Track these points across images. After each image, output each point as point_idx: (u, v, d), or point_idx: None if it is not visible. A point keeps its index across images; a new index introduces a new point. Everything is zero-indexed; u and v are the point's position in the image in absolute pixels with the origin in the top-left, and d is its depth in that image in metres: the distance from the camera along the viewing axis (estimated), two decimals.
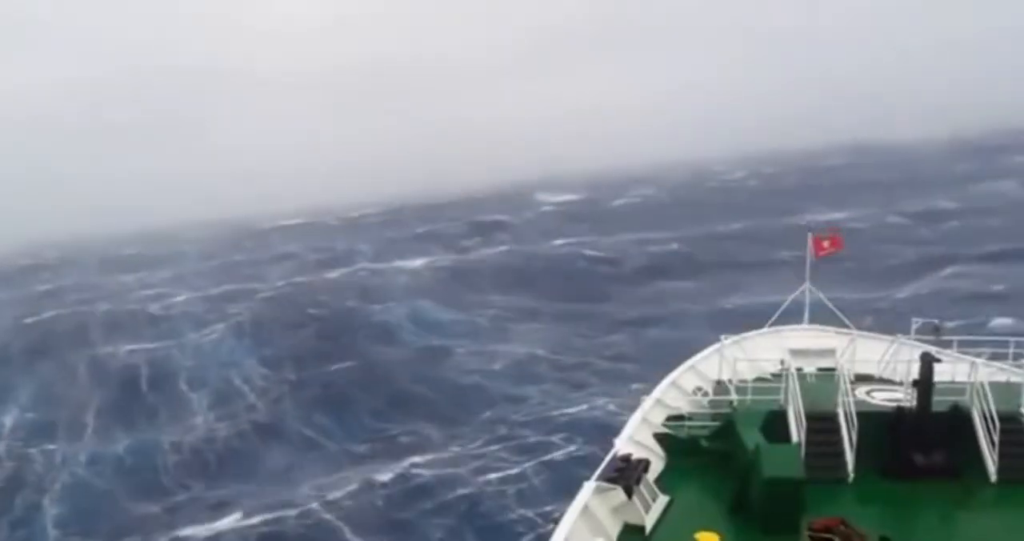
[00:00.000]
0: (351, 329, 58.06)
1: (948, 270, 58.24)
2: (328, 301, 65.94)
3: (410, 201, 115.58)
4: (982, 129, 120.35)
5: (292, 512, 33.80)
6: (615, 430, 17.46)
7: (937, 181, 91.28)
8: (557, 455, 35.52)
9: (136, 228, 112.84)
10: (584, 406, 40.32)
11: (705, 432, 17.02)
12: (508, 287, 66.54)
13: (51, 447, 42.48)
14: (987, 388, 16.45)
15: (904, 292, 53.56)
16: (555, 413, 40.02)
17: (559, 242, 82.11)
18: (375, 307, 63.17)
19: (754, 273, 60.00)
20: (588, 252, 76.90)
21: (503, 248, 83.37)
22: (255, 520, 33.51)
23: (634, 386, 19.39)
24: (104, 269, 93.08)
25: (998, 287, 53.08)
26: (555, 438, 37.28)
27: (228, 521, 33.78)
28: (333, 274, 77.98)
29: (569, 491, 15.05)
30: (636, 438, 16.69)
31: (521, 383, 45.30)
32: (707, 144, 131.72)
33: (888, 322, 21.72)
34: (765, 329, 22.23)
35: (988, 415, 16.12)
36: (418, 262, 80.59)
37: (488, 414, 41.60)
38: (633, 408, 18.10)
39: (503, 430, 39.60)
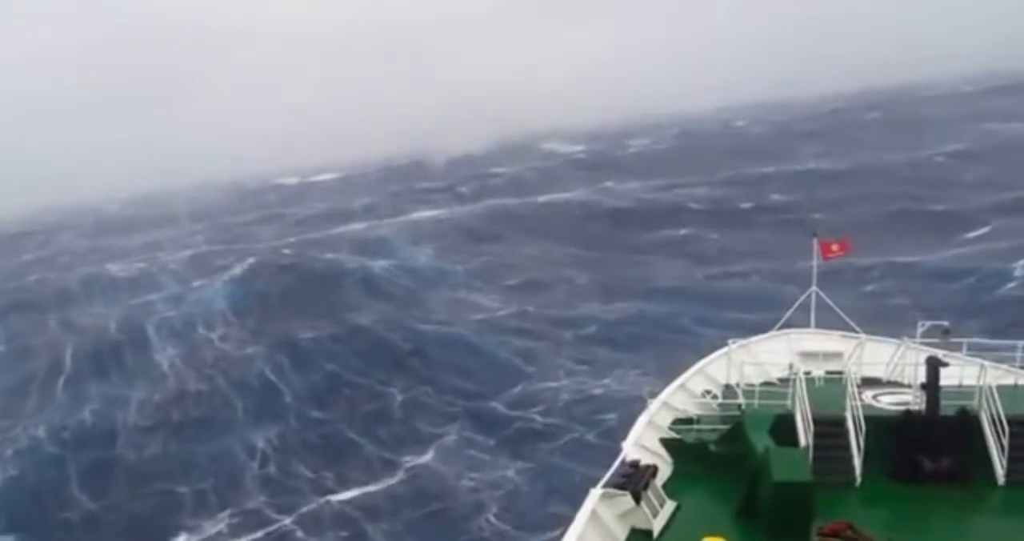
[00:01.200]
0: (341, 281, 60.64)
1: None
2: (322, 256, 68.06)
3: (414, 158, 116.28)
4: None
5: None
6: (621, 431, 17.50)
7: None
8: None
9: (131, 192, 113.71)
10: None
11: (713, 436, 17.02)
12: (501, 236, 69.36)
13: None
14: (995, 391, 16.41)
15: None
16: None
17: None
18: (372, 260, 65.34)
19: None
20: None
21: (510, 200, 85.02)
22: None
23: (644, 387, 19.42)
24: (96, 233, 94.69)
25: None
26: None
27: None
28: (332, 231, 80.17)
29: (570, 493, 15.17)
30: (643, 442, 16.70)
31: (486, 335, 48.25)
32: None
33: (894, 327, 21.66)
34: (772, 332, 22.21)
35: (997, 418, 16.07)
36: (419, 215, 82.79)
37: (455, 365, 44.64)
38: (640, 411, 18.10)
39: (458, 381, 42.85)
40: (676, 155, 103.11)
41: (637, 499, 14.44)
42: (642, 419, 17.45)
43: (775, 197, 74.02)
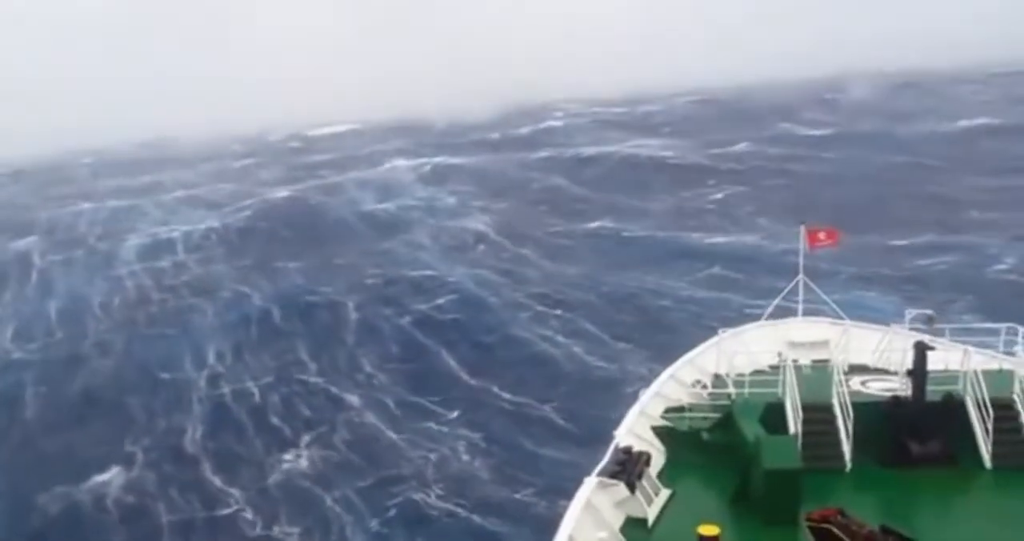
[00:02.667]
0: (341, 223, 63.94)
1: None
2: (329, 202, 70.98)
3: (432, 113, 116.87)
4: None
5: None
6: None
7: None
8: None
9: (149, 135, 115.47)
10: None
11: (705, 424, 17.22)
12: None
13: None
14: (980, 376, 16.72)
15: None
16: None
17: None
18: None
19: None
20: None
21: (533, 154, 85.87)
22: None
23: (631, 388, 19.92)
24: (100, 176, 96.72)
25: None
26: None
27: None
28: (338, 178, 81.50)
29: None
30: (636, 431, 16.87)
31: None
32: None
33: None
34: (761, 322, 22.41)
35: (982, 402, 16.38)
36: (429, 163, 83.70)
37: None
38: (632, 401, 18.29)
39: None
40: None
41: (632, 488, 14.62)
42: (634, 409, 17.63)
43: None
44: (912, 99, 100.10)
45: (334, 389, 37.84)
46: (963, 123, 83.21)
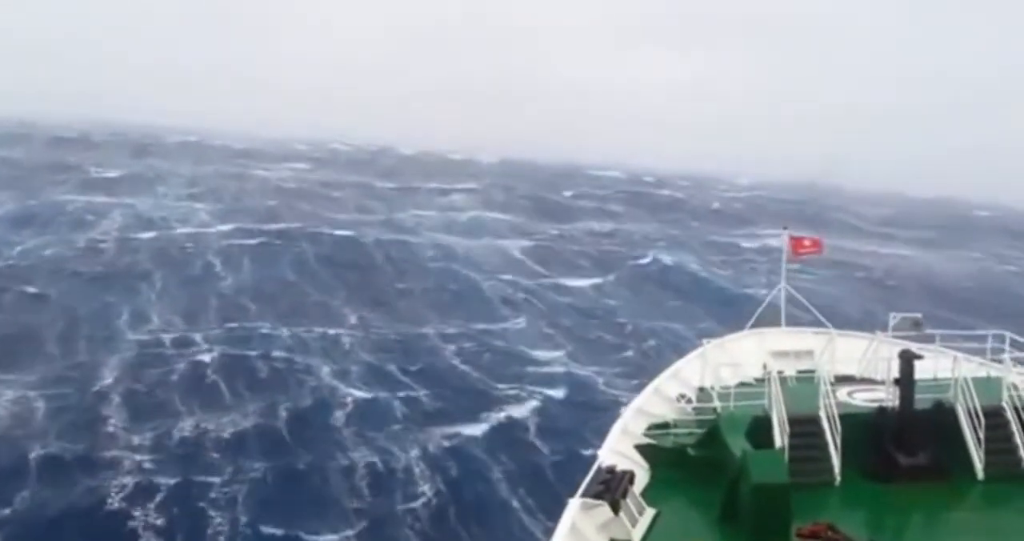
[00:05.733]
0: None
1: None
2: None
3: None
4: None
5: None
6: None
7: None
8: None
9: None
10: None
11: (690, 440, 16.80)
12: None
13: None
14: (970, 383, 16.34)
15: None
16: None
17: None
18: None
19: None
20: None
21: None
22: None
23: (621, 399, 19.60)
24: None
25: None
26: None
27: None
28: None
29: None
30: (618, 449, 16.41)
31: None
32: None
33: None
34: (745, 331, 22.06)
35: (973, 411, 15.99)
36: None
37: None
38: (614, 418, 17.85)
39: None
40: None
41: (616, 509, 14.15)
42: (616, 426, 17.17)
43: None
44: None
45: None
46: None
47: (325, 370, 37.84)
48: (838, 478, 15.68)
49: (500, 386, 37.27)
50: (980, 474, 15.69)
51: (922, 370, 16.42)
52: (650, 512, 14.85)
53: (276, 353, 39.49)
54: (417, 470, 29.37)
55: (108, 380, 35.00)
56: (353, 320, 46.08)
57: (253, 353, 39.31)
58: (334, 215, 77.04)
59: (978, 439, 15.83)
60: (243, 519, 25.84)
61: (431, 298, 52.25)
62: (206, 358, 38.11)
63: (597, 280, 61.03)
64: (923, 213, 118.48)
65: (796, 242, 21.26)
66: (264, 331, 42.65)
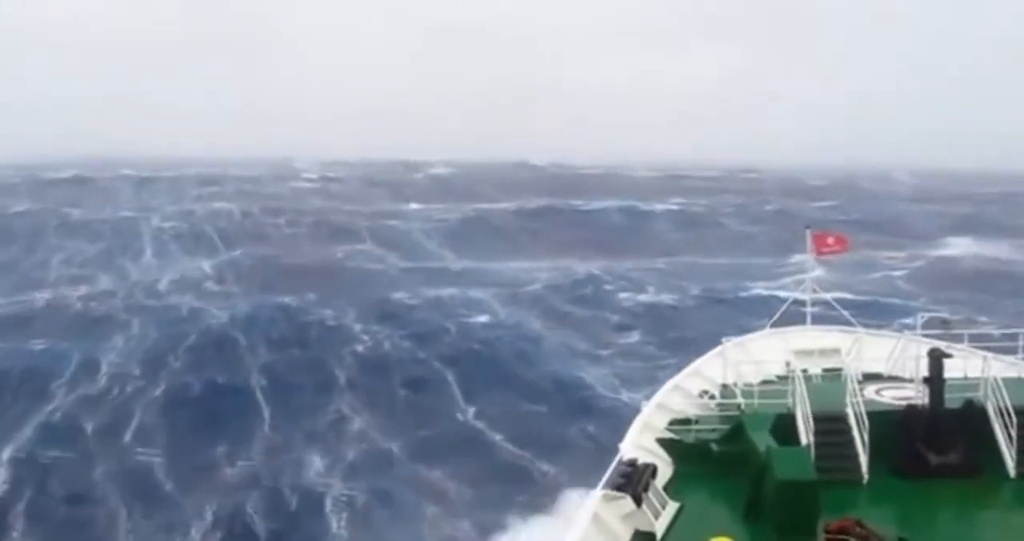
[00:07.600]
0: None
1: None
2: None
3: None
4: None
5: None
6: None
7: None
8: None
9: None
10: None
11: (713, 436, 16.58)
12: None
13: None
14: (1000, 382, 16.03)
15: None
16: None
17: None
18: None
19: None
20: None
21: None
22: None
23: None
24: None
25: None
26: None
27: None
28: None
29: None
30: (640, 443, 16.23)
31: None
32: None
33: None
34: (767, 330, 21.77)
35: (1004, 410, 15.69)
36: None
37: None
38: (636, 413, 17.66)
39: None
40: None
41: (638, 501, 13.95)
42: (638, 421, 16.99)
43: None
44: None
45: None
46: None
47: None
48: (866, 475, 15.39)
49: None
50: (1012, 472, 15.35)
51: (951, 369, 16.17)
52: (673, 506, 14.63)
53: None
54: None
55: None
56: None
57: None
58: None
59: (1009, 437, 15.51)
60: None
61: None
62: None
63: None
64: None
65: (819, 239, 20.83)
66: None
